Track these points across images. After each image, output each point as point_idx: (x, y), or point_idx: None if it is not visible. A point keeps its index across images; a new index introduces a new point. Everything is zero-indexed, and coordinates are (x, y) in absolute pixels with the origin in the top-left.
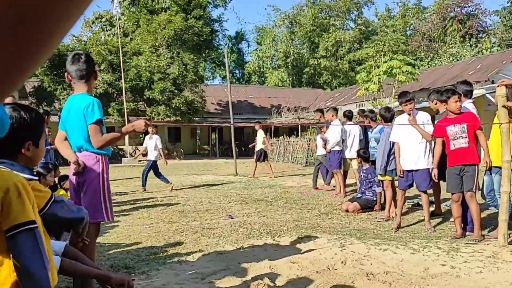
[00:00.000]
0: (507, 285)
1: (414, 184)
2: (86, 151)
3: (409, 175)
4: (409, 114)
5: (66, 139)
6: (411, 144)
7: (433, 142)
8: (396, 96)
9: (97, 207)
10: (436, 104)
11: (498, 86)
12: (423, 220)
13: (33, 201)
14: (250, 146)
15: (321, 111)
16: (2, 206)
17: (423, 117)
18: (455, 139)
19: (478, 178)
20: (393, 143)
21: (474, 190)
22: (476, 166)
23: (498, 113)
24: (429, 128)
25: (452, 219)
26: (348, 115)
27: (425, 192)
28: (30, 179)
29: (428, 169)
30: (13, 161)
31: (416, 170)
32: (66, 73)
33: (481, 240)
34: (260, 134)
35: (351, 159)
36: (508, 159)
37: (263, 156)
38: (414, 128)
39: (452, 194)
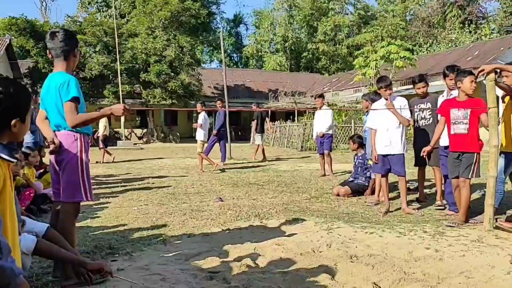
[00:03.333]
0: (488, 268)
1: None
2: (64, 130)
3: (385, 159)
4: (386, 99)
5: (47, 118)
6: (388, 129)
7: (410, 127)
8: (394, 82)
9: (75, 186)
10: (451, 80)
11: (477, 75)
12: (411, 204)
13: (6, 183)
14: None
15: (322, 96)
16: None
17: (401, 102)
18: (455, 124)
19: (477, 166)
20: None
21: (469, 177)
22: (475, 154)
23: (488, 97)
24: (406, 113)
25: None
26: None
27: (403, 177)
28: (8, 160)
29: (403, 154)
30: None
31: (392, 155)
32: (47, 51)
33: (461, 224)
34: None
35: None
36: (496, 144)
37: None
38: (390, 113)
39: (452, 179)
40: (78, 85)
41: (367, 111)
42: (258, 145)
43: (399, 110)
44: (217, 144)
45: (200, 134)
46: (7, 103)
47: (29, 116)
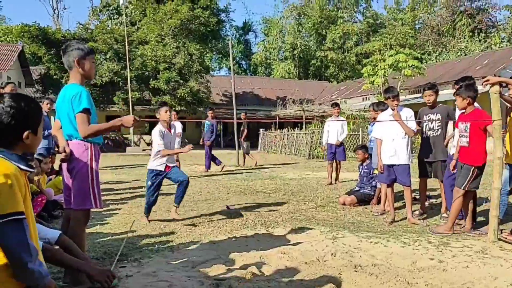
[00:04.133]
0: (491, 279)
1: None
2: (76, 139)
3: (390, 169)
4: (393, 110)
5: (61, 127)
6: (394, 138)
7: (414, 138)
8: (402, 91)
9: (85, 194)
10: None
11: (482, 85)
12: (416, 214)
13: (26, 192)
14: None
15: (337, 104)
16: None
17: (407, 113)
18: (460, 137)
19: (472, 179)
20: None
21: (461, 187)
22: (473, 167)
23: (493, 109)
24: (412, 124)
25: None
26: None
27: (408, 187)
28: (26, 170)
29: (409, 164)
30: (11, 151)
31: (398, 165)
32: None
33: (450, 234)
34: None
35: None
36: (500, 156)
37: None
38: (397, 124)
39: (457, 187)
40: (89, 97)
41: (372, 120)
42: (244, 153)
43: (405, 121)
44: (202, 152)
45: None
46: (18, 116)
47: (40, 128)
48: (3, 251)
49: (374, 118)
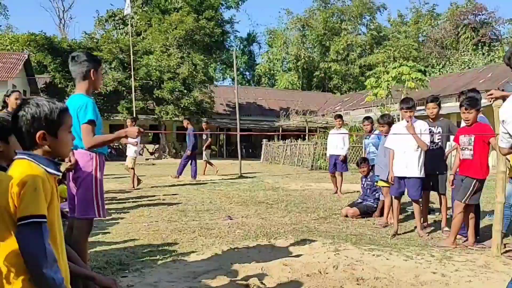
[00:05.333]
0: None
1: (406, 192)
2: (81, 149)
3: (401, 182)
4: (408, 121)
5: None
6: (406, 151)
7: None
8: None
9: (89, 203)
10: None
11: (487, 98)
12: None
13: (54, 196)
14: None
15: (340, 116)
16: (18, 198)
17: (421, 126)
18: (462, 149)
19: (474, 192)
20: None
21: (461, 200)
22: (475, 180)
23: (496, 123)
24: (426, 137)
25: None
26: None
27: (416, 201)
28: (54, 174)
29: (420, 178)
30: (39, 154)
31: (409, 178)
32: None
33: (453, 248)
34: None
35: None
36: (503, 170)
37: None
38: (409, 136)
39: (456, 199)
40: (95, 108)
41: (368, 134)
42: (206, 161)
43: (418, 134)
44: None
45: (131, 150)
46: (31, 119)
47: (64, 132)
48: (21, 253)
49: (370, 131)
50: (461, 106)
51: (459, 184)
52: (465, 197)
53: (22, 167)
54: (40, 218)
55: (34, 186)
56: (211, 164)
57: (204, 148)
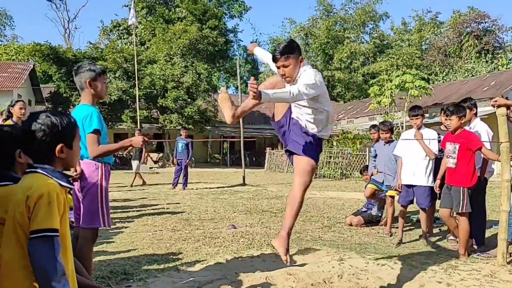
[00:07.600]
0: None
1: (414, 200)
2: (87, 159)
3: (409, 190)
4: (417, 129)
5: None
6: (414, 159)
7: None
8: (408, 111)
9: (94, 213)
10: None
11: (492, 105)
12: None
13: (65, 209)
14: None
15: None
16: (32, 211)
17: (430, 134)
18: (447, 157)
19: (464, 199)
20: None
21: (461, 211)
22: (461, 189)
23: (500, 131)
24: (434, 146)
25: (450, 237)
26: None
27: (424, 210)
28: (66, 187)
29: (430, 187)
30: (53, 167)
31: (417, 186)
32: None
33: (464, 257)
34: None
35: None
36: (508, 178)
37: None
38: (418, 144)
39: (441, 208)
40: (100, 118)
41: (375, 141)
42: (136, 172)
43: (427, 142)
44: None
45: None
46: (49, 132)
47: (76, 143)
48: (31, 266)
49: (378, 138)
50: (442, 112)
51: (445, 192)
52: (461, 207)
53: (37, 180)
54: (53, 232)
55: (48, 200)
56: (140, 176)
57: (141, 159)
